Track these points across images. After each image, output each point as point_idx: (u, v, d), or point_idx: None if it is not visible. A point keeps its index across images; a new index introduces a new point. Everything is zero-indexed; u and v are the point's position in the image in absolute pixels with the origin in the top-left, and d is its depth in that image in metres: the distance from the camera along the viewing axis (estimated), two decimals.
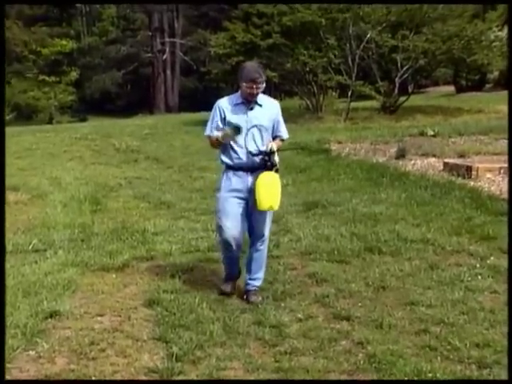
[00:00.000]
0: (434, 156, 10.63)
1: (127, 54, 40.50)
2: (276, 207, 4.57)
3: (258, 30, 18.91)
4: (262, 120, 4.55)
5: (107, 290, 4.97)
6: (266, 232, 4.73)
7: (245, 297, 4.69)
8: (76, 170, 11.43)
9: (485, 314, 4.27)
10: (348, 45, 18.85)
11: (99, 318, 4.43)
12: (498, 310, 4.33)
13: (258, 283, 4.77)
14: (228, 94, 4.75)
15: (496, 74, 25.90)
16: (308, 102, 19.96)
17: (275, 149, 4.52)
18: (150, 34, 38.69)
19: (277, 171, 4.53)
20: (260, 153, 4.52)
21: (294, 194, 8.22)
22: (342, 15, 17.91)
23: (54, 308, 4.49)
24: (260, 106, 4.57)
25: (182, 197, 8.56)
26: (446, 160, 9.77)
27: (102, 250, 5.97)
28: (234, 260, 4.81)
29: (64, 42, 34.30)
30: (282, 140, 4.77)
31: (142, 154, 13.24)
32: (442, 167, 9.61)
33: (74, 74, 35.15)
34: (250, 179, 4.56)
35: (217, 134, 4.56)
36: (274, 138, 4.66)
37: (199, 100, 38.01)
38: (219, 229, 4.68)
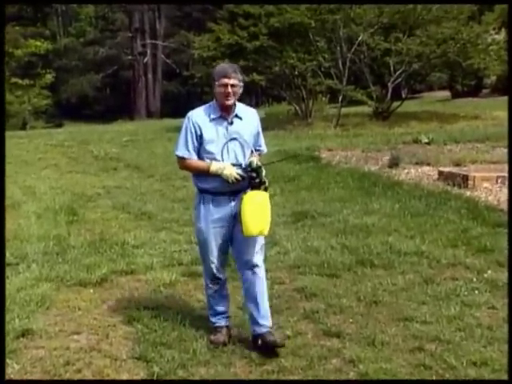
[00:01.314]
0: (429, 164, 10.70)
1: (106, 56, 40.53)
2: (266, 232, 4.09)
3: (244, 32, 18.99)
4: (244, 134, 4.13)
5: (84, 306, 4.94)
6: (260, 259, 4.20)
7: (259, 343, 4.07)
8: (51, 178, 11.37)
9: (482, 331, 4.29)
10: (339, 47, 18.98)
11: (75, 337, 4.39)
12: (497, 327, 4.35)
13: (268, 322, 4.18)
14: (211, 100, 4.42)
15: (493, 78, 26.19)
16: (297, 108, 20.05)
17: (260, 164, 4.10)
18: (131, 35, 38.72)
19: (266, 189, 4.09)
20: (243, 171, 4.07)
21: (282, 204, 8.24)
22: (332, 16, 18.04)
23: (26, 326, 4.46)
24: (240, 118, 4.15)
25: (163, 207, 8.55)
26: (441, 169, 9.84)
27: (79, 263, 5.94)
28: (225, 294, 4.39)
29: (38, 43, 34.16)
30: (260, 154, 4.34)
31: (122, 162, 13.21)
32: (436, 176, 9.67)
33: (49, 77, 35.03)
34: (232, 204, 4.12)
35: (216, 166, 4.03)
36: (252, 152, 4.22)
37: (182, 105, 37.96)
38: (204, 263, 4.30)
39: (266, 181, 4.08)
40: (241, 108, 4.20)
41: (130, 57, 39.02)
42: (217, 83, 4.04)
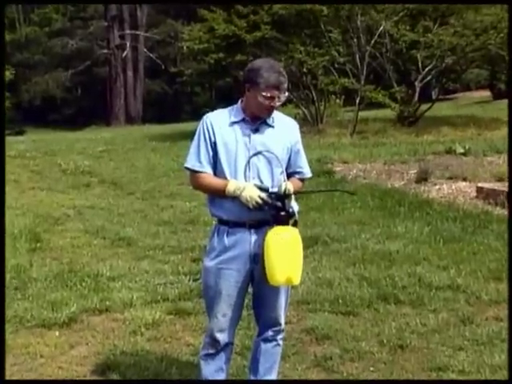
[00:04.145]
0: (465, 179, 10.73)
1: (77, 49, 40.68)
2: (297, 280, 3.71)
3: (242, 21, 19.13)
4: (273, 147, 3.75)
5: (48, 352, 4.92)
6: (282, 318, 3.93)
7: None
8: (10, 196, 11.38)
9: None
10: (356, 39, 19.08)
11: None
12: None
13: None
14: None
15: None
16: (305, 112, 20.12)
17: (292, 191, 3.72)
18: (106, 24, 38.93)
19: (295, 225, 3.74)
20: (269, 196, 3.67)
21: None
22: (348, 2, 18.15)
23: None
24: (271, 127, 3.80)
25: (146, 231, 8.56)
26: (479, 185, 9.85)
27: (43, 300, 5.92)
28: (222, 367, 3.95)
29: None
30: (303, 180, 3.98)
31: (96, 177, 13.24)
32: (474, 194, 9.69)
33: (8, 74, 35.17)
34: (252, 240, 3.75)
35: (234, 186, 3.66)
36: (290, 176, 3.84)
37: (168, 108, 38.24)
38: (208, 316, 3.94)
39: (296, 213, 3.73)
40: (275, 115, 3.84)
41: (105, 50, 39.21)
42: (263, 93, 3.67)
